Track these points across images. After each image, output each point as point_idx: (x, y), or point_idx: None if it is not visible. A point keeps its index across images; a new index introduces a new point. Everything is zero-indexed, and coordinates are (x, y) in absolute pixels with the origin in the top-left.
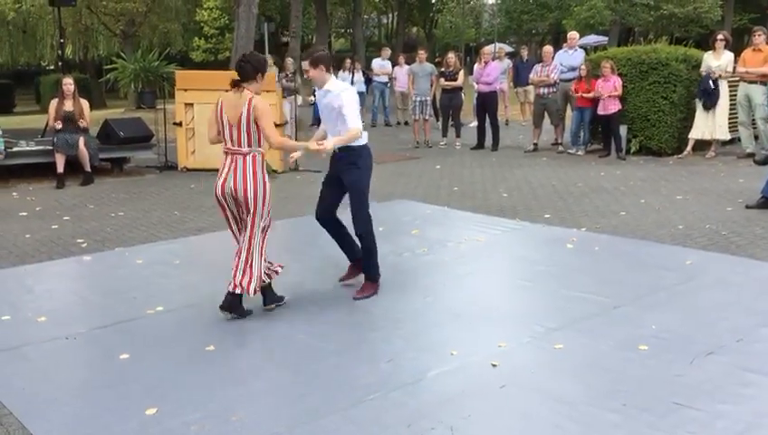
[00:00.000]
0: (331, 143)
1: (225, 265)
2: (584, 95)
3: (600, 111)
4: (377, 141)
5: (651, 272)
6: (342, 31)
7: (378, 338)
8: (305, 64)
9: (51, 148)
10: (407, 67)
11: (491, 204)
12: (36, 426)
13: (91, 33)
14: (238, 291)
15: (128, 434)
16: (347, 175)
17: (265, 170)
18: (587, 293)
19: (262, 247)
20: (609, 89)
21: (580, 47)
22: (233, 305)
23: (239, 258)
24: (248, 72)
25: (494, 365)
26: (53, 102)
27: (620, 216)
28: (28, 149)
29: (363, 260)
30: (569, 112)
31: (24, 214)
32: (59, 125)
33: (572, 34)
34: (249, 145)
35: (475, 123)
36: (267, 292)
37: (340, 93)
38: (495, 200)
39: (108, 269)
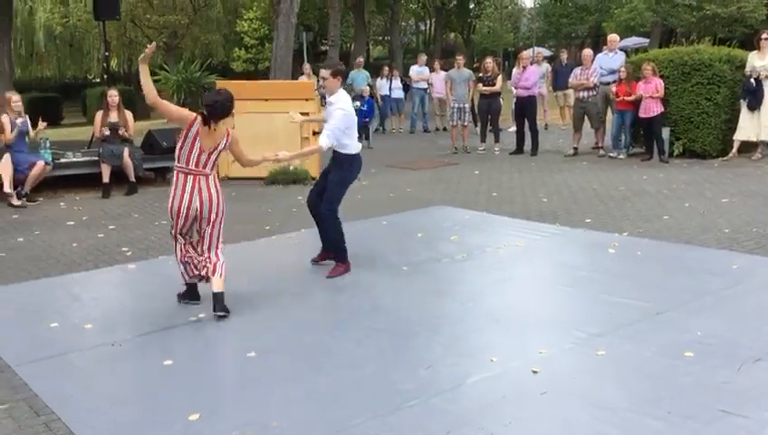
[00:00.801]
0: (287, 155)
1: (266, 272)
2: (625, 98)
3: (642, 114)
4: (415, 148)
5: (696, 277)
6: (380, 38)
7: (416, 344)
8: (325, 72)
9: (97, 158)
10: (443, 73)
11: (530, 209)
12: (83, 431)
13: (135, 46)
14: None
15: None
16: (332, 174)
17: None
18: (629, 298)
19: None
20: (650, 91)
21: (621, 50)
22: (222, 304)
23: (209, 257)
24: (227, 109)
25: (534, 372)
26: (99, 114)
27: (664, 220)
28: (75, 160)
29: (334, 247)
30: (609, 116)
31: (72, 223)
32: (106, 131)
33: (612, 37)
34: (212, 168)
35: (513, 128)
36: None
37: (336, 109)
38: (535, 205)
39: (151, 277)
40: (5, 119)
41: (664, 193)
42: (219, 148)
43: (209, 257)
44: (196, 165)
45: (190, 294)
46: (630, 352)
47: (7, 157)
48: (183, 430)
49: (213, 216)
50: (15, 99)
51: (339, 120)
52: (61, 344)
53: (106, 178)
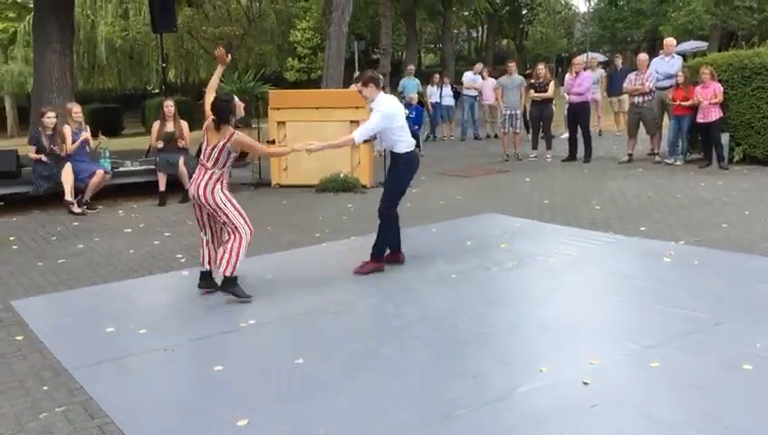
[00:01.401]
0: (316, 145)
1: (316, 279)
2: (682, 103)
3: (700, 119)
4: (466, 155)
5: (756, 287)
6: (432, 46)
7: (464, 353)
8: (357, 85)
9: (153, 167)
10: (492, 80)
11: (582, 217)
12: None
13: (191, 58)
14: (229, 273)
15: None
16: (389, 173)
17: (222, 186)
18: (685, 308)
19: (244, 239)
20: (708, 96)
21: (679, 54)
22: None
23: (226, 244)
24: (224, 116)
25: (585, 383)
26: (156, 124)
27: (722, 228)
28: (132, 168)
29: (377, 238)
30: (666, 121)
31: (129, 230)
32: (160, 144)
33: (669, 41)
34: (213, 165)
35: (566, 135)
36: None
37: (374, 112)
38: (587, 213)
39: None
40: (67, 129)
41: (723, 201)
42: (218, 146)
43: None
44: (203, 157)
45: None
46: (686, 364)
47: (69, 166)
48: (232, 434)
49: (213, 208)
50: (76, 110)
51: (372, 120)
52: (116, 349)
53: (162, 187)
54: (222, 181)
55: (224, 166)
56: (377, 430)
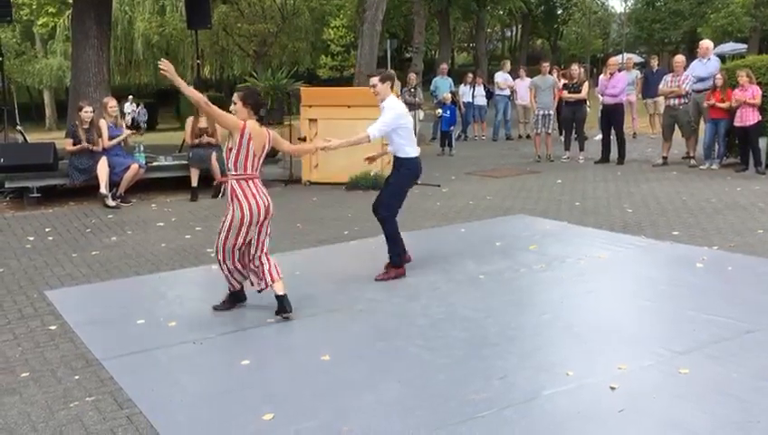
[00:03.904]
0: (336, 143)
1: (344, 277)
2: (718, 104)
3: (738, 123)
4: (497, 155)
5: None
6: (465, 45)
7: (491, 354)
8: (374, 79)
9: (186, 162)
10: (528, 80)
11: (614, 220)
12: (163, 426)
13: (226, 54)
14: (282, 292)
15: None
16: (391, 177)
17: None
18: (717, 315)
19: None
20: (746, 98)
21: (717, 56)
22: (287, 304)
23: (262, 264)
24: (258, 106)
25: (612, 388)
26: (190, 120)
27: (758, 234)
28: (166, 163)
29: (388, 247)
30: (702, 125)
31: (161, 224)
32: (196, 140)
33: (705, 43)
34: (257, 171)
35: (599, 136)
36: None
37: (385, 108)
38: (619, 216)
39: None
40: (103, 123)
41: (759, 206)
42: (266, 148)
43: (262, 263)
44: (254, 169)
45: (236, 298)
46: (716, 372)
47: (104, 160)
48: (257, 429)
49: (268, 219)
50: (112, 104)
51: (387, 116)
52: (146, 341)
53: (194, 182)
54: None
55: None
56: (401, 428)
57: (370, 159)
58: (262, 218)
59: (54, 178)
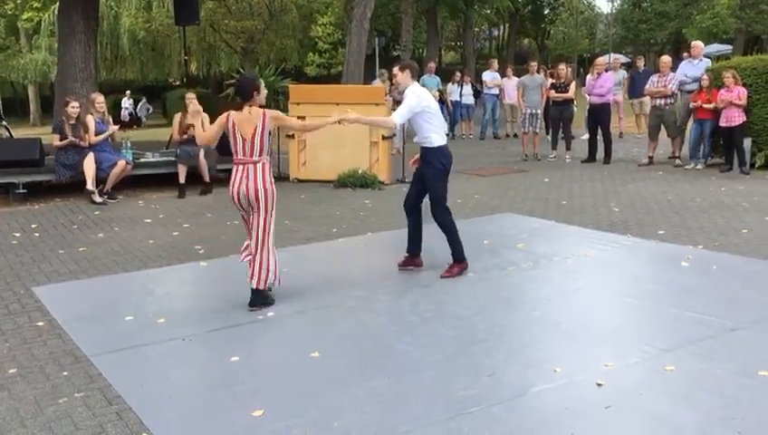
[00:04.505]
0: (353, 116)
1: (332, 274)
2: (704, 105)
3: (723, 123)
4: (484, 154)
5: None
6: (453, 44)
7: (480, 351)
8: (395, 68)
9: (174, 159)
10: (515, 79)
11: (601, 219)
12: (152, 422)
13: (213, 51)
14: (261, 286)
15: (236, 434)
16: (425, 172)
17: (272, 176)
18: (702, 313)
19: (272, 245)
20: (731, 98)
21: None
22: (257, 301)
23: (254, 256)
24: (247, 92)
25: (599, 385)
26: (177, 116)
27: (742, 234)
28: (153, 160)
29: (449, 245)
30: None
31: (149, 221)
32: (183, 137)
33: (696, 44)
34: (259, 155)
35: (586, 136)
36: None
37: (407, 93)
38: (606, 215)
39: (222, 275)
40: (90, 119)
41: (743, 206)
42: (257, 132)
43: (257, 261)
44: (242, 153)
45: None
46: (701, 368)
47: (91, 156)
48: (247, 424)
49: (261, 203)
50: (99, 100)
51: (411, 100)
52: (134, 337)
53: (182, 179)
54: (270, 170)
55: (269, 152)
56: (391, 424)
57: (415, 162)
58: (238, 203)
59: (40, 174)
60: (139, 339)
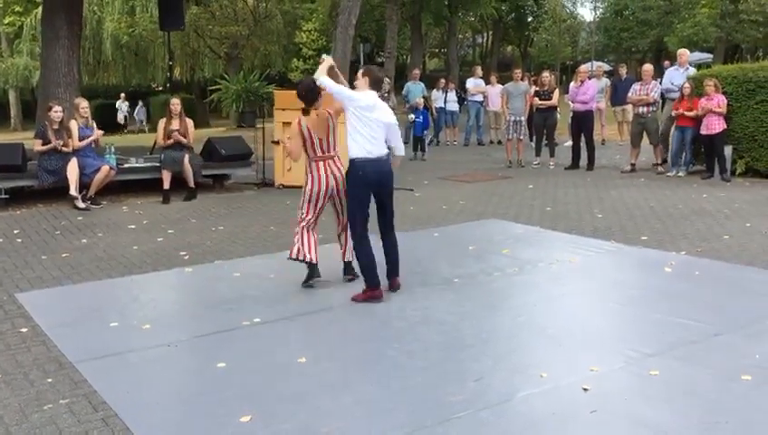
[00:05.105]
0: (328, 62)
1: (318, 280)
2: (685, 113)
3: (704, 131)
4: (469, 160)
5: (756, 299)
6: (437, 51)
7: (467, 357)
8: (358, 73)
9: (158, 165)
10: (499, 86)
11: (585, 225)
12: (139, 428)
13: (197, 56)
14: (350, 259)
15: None
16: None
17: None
18: (685, 319)
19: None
20: (712, 106)
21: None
22: (350, 271)
23: (346, 235)
24: (315, 96)
25: (585, 389)
26: (162, 122)
27: (724, 240)
28: (138, 165)
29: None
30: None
31: (133, 227)
32: (168, 142)
33: (683, 52)
34: (335, 149)
35: (569, 143)
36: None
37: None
38: (589, 221)
39: (207, 281)
40: (74, 124)
41: (725, 212)
42: (332, 128)
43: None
44: (322, 151)
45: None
46: (685, 373)
47: (74, 161)
48: (234, 431)
49: (343, 189)
50: (84, 105)
51: (355, 92)
52: (120, 343)
53: (166, 185)
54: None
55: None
56: (379, 430)
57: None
58: (324, 196)
59: (23, 179)
60: (124, 345)
